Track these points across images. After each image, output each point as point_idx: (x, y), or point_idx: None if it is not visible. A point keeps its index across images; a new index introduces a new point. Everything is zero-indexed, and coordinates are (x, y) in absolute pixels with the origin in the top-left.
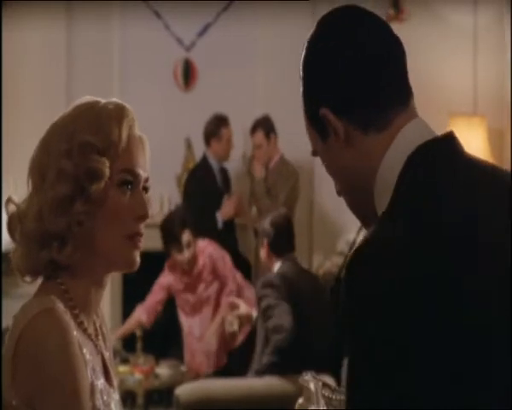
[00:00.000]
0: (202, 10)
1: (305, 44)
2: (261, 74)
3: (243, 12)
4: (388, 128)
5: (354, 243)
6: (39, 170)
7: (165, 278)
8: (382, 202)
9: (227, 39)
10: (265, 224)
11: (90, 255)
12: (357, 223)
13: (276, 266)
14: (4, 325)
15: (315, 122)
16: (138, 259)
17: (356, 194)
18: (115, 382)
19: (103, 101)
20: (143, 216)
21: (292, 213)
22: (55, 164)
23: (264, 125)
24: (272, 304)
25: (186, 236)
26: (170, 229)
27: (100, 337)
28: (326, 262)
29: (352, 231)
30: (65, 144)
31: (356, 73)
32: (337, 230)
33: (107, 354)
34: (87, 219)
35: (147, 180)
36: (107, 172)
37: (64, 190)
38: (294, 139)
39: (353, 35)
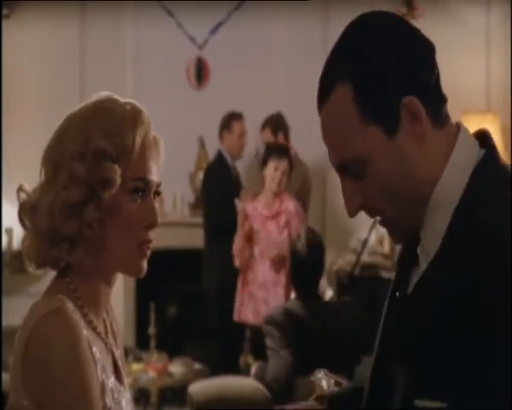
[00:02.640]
0: (215, 8)
1: (358, 33)
2: (274, 72)
3: (255, 10)
4: (446, 124)
5: (366, 241)
6: (52, 162)
7: (249, 207)
8: (440, 208)
9: (239, 37)
10: (291, 249)
11: (100, 259)
12: (369, 222)
13: (292, 294)
14: (10, 322)
15: (382, 116)
16: (145, 266)
17: (408, 203)
18: (126, 380)
19: (121, 101)
20: (153, 224)
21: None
22: (69, 165)
23: (273, 123)
24: (271, 347)
25: (284, 163)
26: (273, 148)
27: (110, 335)
28: (339, 260)
29: (365, 230)
30: (79, 147)
31: (433, 62)
32: (350, 228)
33: (117, 352)
34: (98, 224)
35: (159, 185)
36: (118, 180)
37: (76, 194)
38: (308, 136)
39: (415, 29)
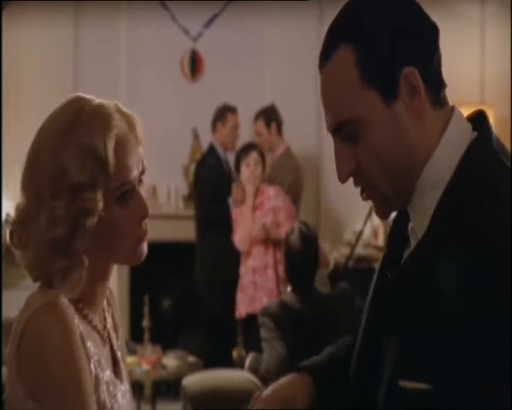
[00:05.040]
0: (209, 1)
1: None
2: (268, 65)
3: (250, 3)
4: (445, 106)
5: (361, 233)
6: (33, 191)
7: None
8: (429, 187)
9: (234, 30)
10: (285, 243)
11: (95, 265)
12: (364, 214)
13: (288, 288)
14: (9, 315)
15: (382, 81)
16: (145, 250)
17: (402, 176)
18: (125, 371)
19: (86, 109)
20: (144, 216)
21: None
22: (49, 203)
23: (265, 114)
24: (266, 339)
25: (253, 154)
26: (243, 148)
27: (110, 327)
28: (333, 253)
29: (359, 222)
30: (56, 183)
31: (436, 43)
32: (344, 220)
33: (117, 344)
34: (89, 250)
35: (143, 171)
36: (99, 205)
37: (61, 232)
38: (301, 129)
39: (422, 8)
